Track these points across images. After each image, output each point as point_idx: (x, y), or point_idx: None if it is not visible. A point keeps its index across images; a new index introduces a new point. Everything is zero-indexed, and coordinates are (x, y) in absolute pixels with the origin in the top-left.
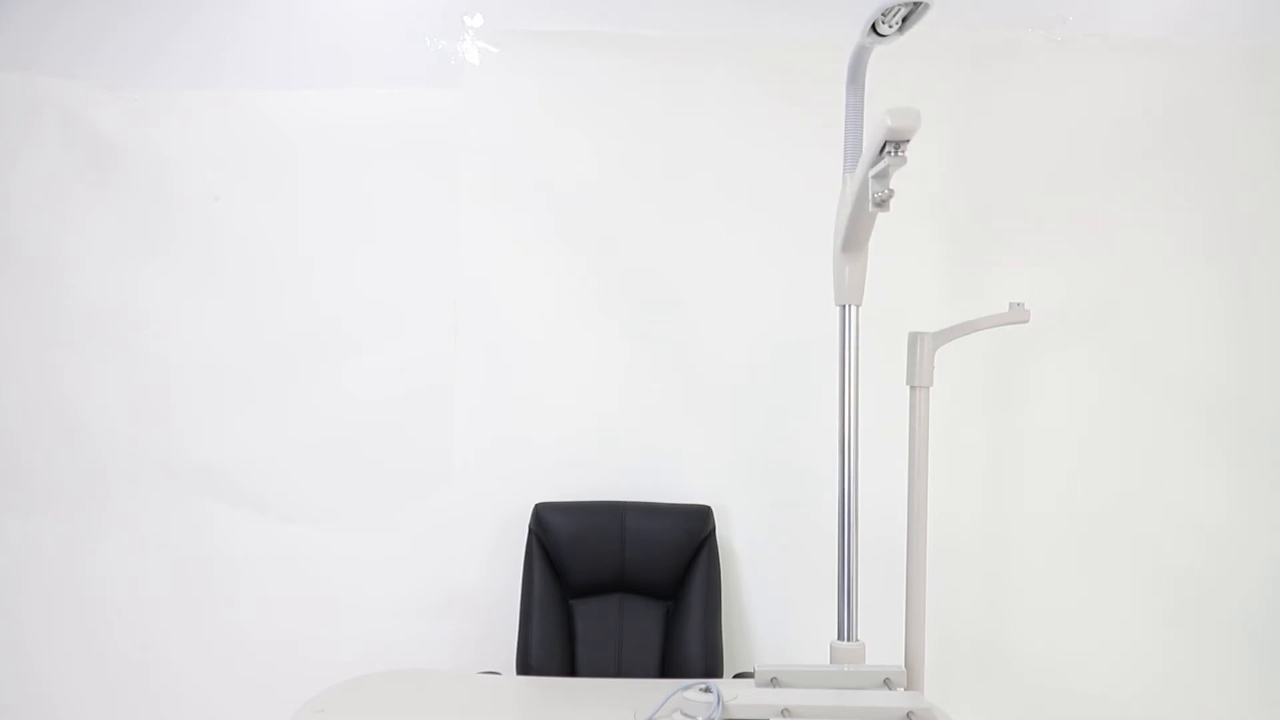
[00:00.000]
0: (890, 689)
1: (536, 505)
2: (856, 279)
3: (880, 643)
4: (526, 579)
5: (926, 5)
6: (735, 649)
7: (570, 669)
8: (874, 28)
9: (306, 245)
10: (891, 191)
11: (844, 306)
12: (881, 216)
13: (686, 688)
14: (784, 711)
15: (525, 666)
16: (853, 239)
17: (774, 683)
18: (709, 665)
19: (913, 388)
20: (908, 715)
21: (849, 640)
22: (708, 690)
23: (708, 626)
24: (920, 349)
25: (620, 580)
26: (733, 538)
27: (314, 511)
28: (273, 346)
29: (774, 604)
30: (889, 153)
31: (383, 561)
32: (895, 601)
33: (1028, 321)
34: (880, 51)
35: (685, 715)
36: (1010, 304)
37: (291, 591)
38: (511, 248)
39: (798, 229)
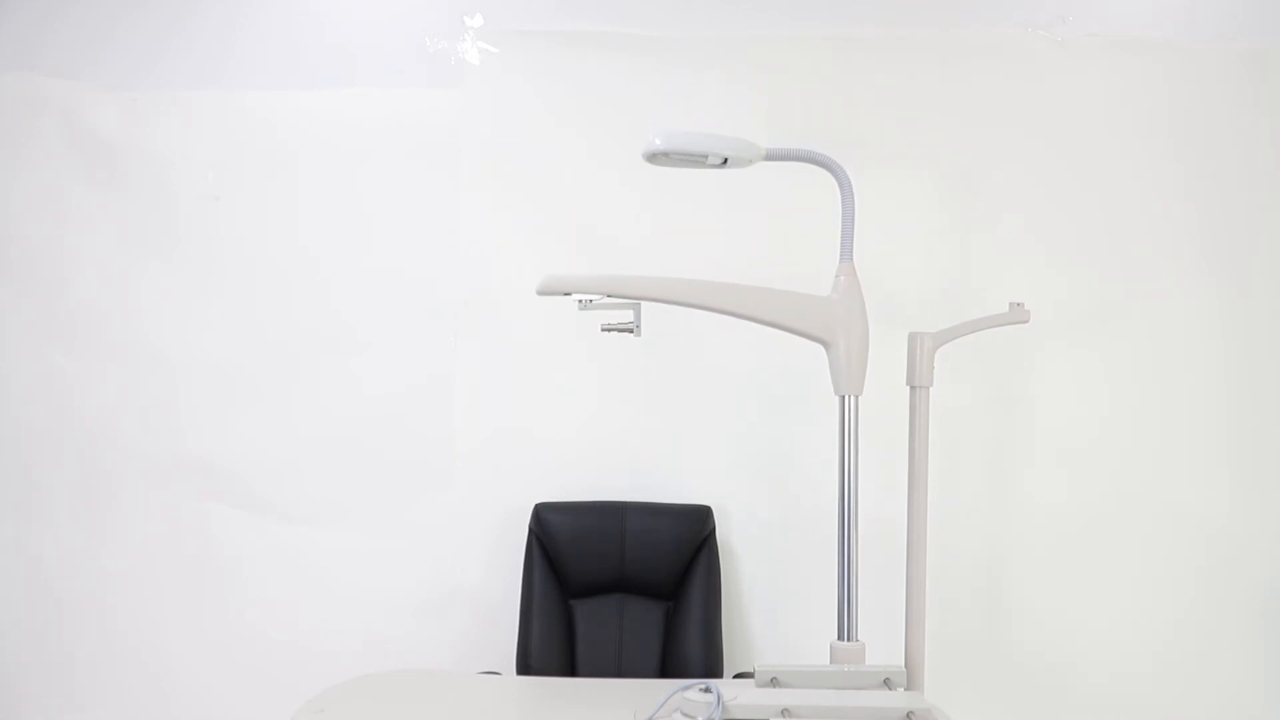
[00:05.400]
0: (890, 689)
1: (536, 505)
2: (856, 367)
3: (880, 643)
4: (526, 579)
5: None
6: (735, 649)
7: (570, 669)
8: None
9: (307, 245)
10: (633, 326)
11: (843, 397)
12: (882, 217)
13: (686, 688)
14: (784, 711)
15: (525, 666)
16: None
17: (774, 683)
18: (709, 665)
19: (913, 388)
20: (908, 715)
21: (849, 640)
22: (708, 690)
23: (708, 626)
24: (920, 349)
25: (620, 580)
26: (732, 538)
27: (315, 511)
28: (274, 346)
29: (774, 604)
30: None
31: (384, 561)
32: (895, 601)
33: (1027, 322)
34: (878, 55)
35: (685, 715)
36: (1010, 304)
37: (294, 590)
38: (511, 247)
39: (795, 227)
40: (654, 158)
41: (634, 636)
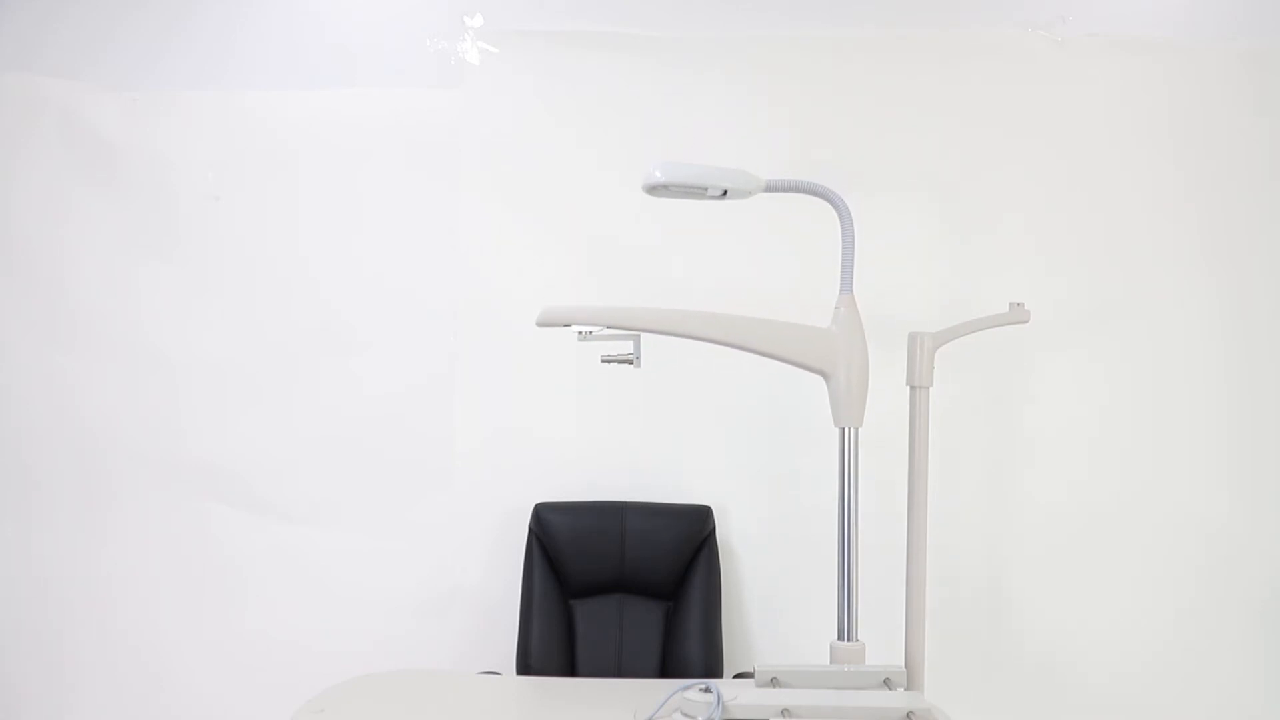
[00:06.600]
0: (890, 689)
1: (536, 505)
2: (857, 399)
3: (880, 643)
4: (526, 579)
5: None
6: (735, 649)
7: (570, 669)
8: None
9: (306, 244)
10: (633, 357)
11: (843, 429)
12: (881, 219)
13: (686, 688)
14: (784, 711)
15: (525, 666)
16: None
17: (774, 683)
18: (709, 665)
19: (912, 388)
20: (908, 715)
21: (849, 640)
22: (708, 690)
23: (708, 626)
24: (920, 349)
25: (620, 580)
26: (732, 538)
27: (315, 511)
28: (274, 346)
29: (774, 604)
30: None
31: (384, 561)
32: (895, 601)
33: (1027, 322)
34: (878, 55)
35: (685, 715)
36: (1010, 304)
37: (293, 591)
38: (511, 247)
39: (796, 226)
40: (654, 190)
41: (634, 636)
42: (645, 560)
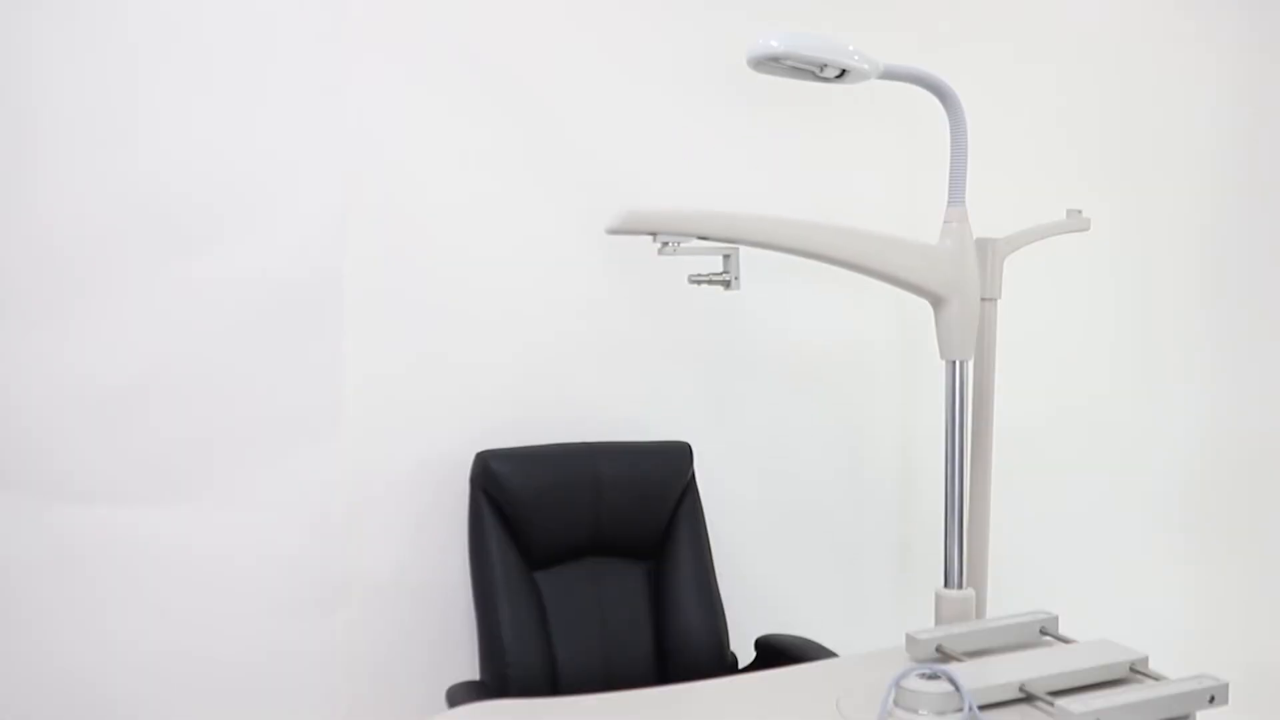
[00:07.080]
0: (1047, 636)
1: (480, 454)
2: (970, 329)
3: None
4: (478, 551)
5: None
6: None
7: (550, 665)
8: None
9: (141, 103)
10: (729, 278)
11: (953, 363)
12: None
13: (902, 676)
14: (1020, 688)
15: (499, 673)
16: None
17: (940, 651)
18: (715, 636)
19: (981, 300)
20: (1130, 667)
21: (959, 588)
22: (935, 677)
23: (704, 588)
24: (991, 256)
25: (596, 541)
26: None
27: (143, 484)
28: (84, 242)
29: (762, 556)
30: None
31: (247, 547)
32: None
33: (1088, 229)
34: None
35: (934, 713)
36: (1068, 211)
37: (117, 596)
38: (422, 109)
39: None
40: (761, 63)
41: (617, 610)
42: (626, 513)
